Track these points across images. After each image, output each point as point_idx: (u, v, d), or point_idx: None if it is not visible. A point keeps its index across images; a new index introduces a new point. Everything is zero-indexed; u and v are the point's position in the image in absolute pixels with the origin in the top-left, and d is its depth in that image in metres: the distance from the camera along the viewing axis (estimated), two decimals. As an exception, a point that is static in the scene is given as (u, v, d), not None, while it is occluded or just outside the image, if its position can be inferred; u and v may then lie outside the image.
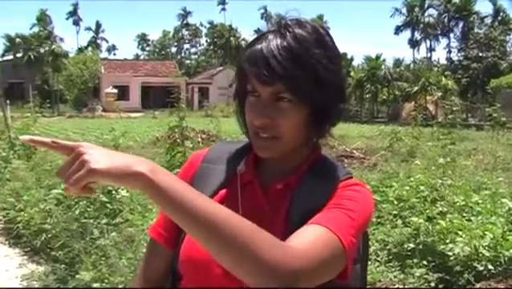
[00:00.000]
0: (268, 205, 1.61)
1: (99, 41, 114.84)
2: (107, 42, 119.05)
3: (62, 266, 7.03)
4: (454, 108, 19.92)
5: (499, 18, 72.29)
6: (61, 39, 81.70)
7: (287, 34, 1.51)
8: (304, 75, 1.49)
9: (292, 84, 1.49)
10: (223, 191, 1.65)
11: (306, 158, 1.68)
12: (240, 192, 1.64)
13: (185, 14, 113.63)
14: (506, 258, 6.04)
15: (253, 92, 1.54)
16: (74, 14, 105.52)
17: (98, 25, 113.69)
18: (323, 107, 1.55)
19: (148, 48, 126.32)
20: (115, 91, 67.17)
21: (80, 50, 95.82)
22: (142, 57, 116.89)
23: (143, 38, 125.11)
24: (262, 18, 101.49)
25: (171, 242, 1.70)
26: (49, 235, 7.57)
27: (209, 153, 1.76)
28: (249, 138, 1.65)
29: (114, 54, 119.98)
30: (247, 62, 1.53)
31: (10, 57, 76.55)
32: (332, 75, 1.55)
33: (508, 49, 71.09)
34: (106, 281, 6.09)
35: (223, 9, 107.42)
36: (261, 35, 1.57)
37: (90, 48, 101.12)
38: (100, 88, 71.70)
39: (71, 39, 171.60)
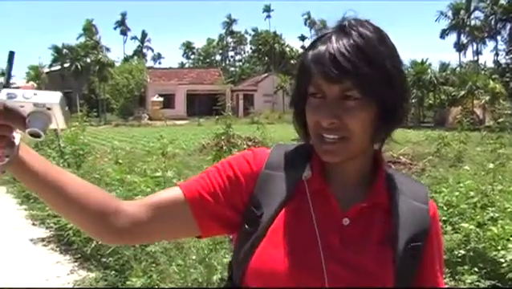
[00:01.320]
0: (349, 221, 1.56)
1: (144, 50, 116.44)
2: (152, 51, 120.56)
3: (113, 272, 7.12)
4: (506, 112, 19.65)
5: (548, 19, 71.09)
6: (107, 49, 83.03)
7: (352, 32, 1.49)
8: (373, 72, 1.47)
9: (361, 81, 1.46)
10: (292, 201, 1.57)
11: (375, 167, 1.65)
12: (310, 200, 1.56)
13: (230, 21, 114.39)
14: (560, 265, 5.92)
15: (316, 94, 1.51)
16: (121, 24, 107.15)
17: (144, 34, 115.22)
18: (390, 106, 1.53)
19: (192, 56, 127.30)
20: (161, 99, 67.78)
21: (126, 59, 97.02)
22: (187, 65, 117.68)
23: (188, 47, 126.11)
24: (305, 24, 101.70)
25: (199, 206, 1.59)
26: (99, 242, 7.67)
27: (271, 158, 1.64)
28: (307, 144, 1.63)
29: (159, 62, 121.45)
30: (312, 61, 1.49)
31: (58, 67, 77.96)
32: (398, 73, 1.55)
33: (557, 51, 69.80)
34: (156, 287, 6.14)
35: (268, 16, 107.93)
36: (321, 36, 1.54)
37: (136, 57, 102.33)
38: (146, 97, 72.44)
39: (117, 49, 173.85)
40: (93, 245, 7.75)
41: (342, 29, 1.52)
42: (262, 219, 1.55)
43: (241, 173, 1.61)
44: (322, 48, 1.49)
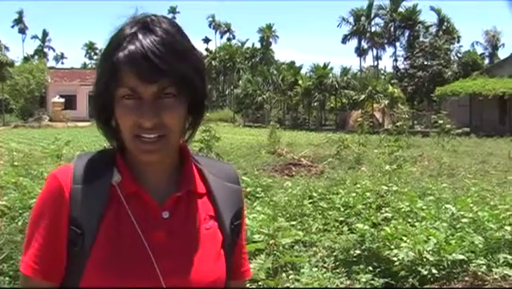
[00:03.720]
0: (169, 213, 1.58)
1: (46, 49, 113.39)
2: (54, 50, 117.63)
3: (7, 279, 6.90)
4: (403, 116, 20.25)
5: (443, 27, 73.64)
6: (6, 48, 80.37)
7: (156, 29, 1.49)
8: (186, 68, 1.49)
9: (177, 78, 1.48)
10: (109, 209, 1.54)
11: (182, 157, 1.68)
12: (126, 203, 1.55)
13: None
14: (449, 262, 6.14)
15: (130, 95, 1.48)
16: (19, 22, 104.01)
17: (45, 33, 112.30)
18: (200, 98, 1.58)
19: (95, 57, 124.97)
20: (62, 100, 66.25)
21: (26, 59, 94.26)
22: (90, 66, 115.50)
23: (90, 47, 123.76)
24: (210, 26, 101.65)
25: (50, 274, 1.56)
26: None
27: (76, 172, 1.57)
28: (115, 146, 1.62)
29: (62, 63, 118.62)
30: (124, 63, 1.45)
31: (-48, 66, 74.93)
32: (202, 63, 1.60)
33: (452, 57, 72.33)
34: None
35: (173, 17, 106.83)
36: (126, 36, 1.49)
37: (36, 57, 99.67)
38: (47, 98, 70.64)
39: (17, 48, 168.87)
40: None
41: (146, 26, 1.50)
42: (84, 237, 1.51)
43: (55, 207, 1.55)
44: (131, 48, 1.46)
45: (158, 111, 1.47)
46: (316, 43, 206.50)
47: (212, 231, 1.63)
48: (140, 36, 1.47)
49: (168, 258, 1.53)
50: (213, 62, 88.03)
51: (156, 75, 1.45)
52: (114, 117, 1.55)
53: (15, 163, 11.93)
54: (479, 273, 6.07)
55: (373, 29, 77.11)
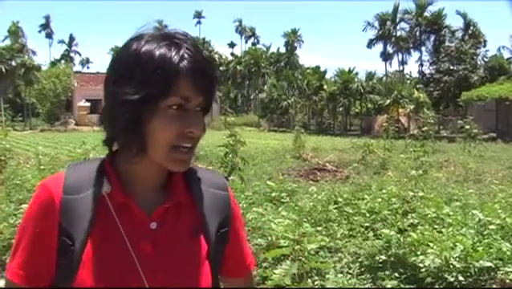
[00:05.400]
0: (157, 224, 1.60)
1: (72, 54, 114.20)
2: (80, 55, 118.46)
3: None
4: (429, 121, 20.12)
5: (469, 31, 73.10)
6: (33, 52, 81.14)
7: (193, 44, 1.56)
8: (215, 82, 1.60)
9: (213, 94, 1.58)
10: (98, 220, 1.54)
11: None
12: (115, 214, 1.56)
13: (161, 27, 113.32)
14: (476, 269, 6.08)
15: (179, 105, 1.51)
16: (46, 27, 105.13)
17: (71, 38, 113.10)
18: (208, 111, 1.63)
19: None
20: (88, 104, 66.74)
21: (53, 63, 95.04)
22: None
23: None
24: (236, 31, 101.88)
25: (37, 280, 1.58)
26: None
27: (67, 182, 1.58)
28: (138, 156, 1.56)
29: (88, 67, 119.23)
30: (189, 73, 1.49)
31: (-18, 70, 75.70)
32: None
33: (478, 62, 71.77)
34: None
35: (199, 22, 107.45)
36: (173, 48, 1.52)
37: (63, 61, 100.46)
38: (73, 102, 71.23)
39: (44, 52, 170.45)
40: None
41: (186, 41, 1.56)
42: (74, 248, 1.52)
43: (45, 217, 1.55)
44: (190, 59, 1.51)
45: (200, 122, 1.55)
46: (341, 48, 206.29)
47: (197, 241, 1.65)
48: (191, 49, 1.53)
49: (156, 269, 1.55)
50: (238, 66, 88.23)
51: (205, 88, 1.54)
52: (140, 127, 1.52)
53: (41, 167, 12.03)
54: (507, 280, 6.01)
55: (398, 33, 76.75)
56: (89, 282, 1.50)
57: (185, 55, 1.50)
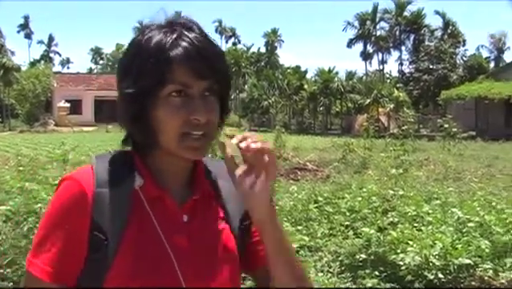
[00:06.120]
0: (187, 217, 1.58)
1: (51, 54, 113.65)
2: (60, 55, 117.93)
3: (10, 284, 6.89)
4: (409, 120, 20.19)
5: (449, 31, 73.57)
6: (12, 53, 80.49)
7: (196, 30, 1.53)
8: (226, 67, 1.58)
9: (221, 77, 1.53)
10: (132, 214, 1.52)
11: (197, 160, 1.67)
12: (149, 208, 1.54)
13: (141, 27, 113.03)
14: (456, 267, 6.12)
15: (179, 92, 1.49)
16: (25, 28, 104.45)
17: (51, 38, 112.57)
18: (226, 97, 1.62)
19: (101, 62, 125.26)
20: (68, 105, 66.27)
21: (32, 63, 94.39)
22: (95, 71, 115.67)
23: (97, 52, 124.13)
24: (216, 31, 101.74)
25: (65, 278, 1.52)
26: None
27: (98, 175, 1.55)
28: (149, 144, 1.57)
29: (68, 67, 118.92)
30: (182, 59, 1.47)
31: (-42, 70, 74.96)
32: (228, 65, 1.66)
33: (457, 61, 72.27)
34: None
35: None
36: (170, 35, 1.50)
37: (42, 62, 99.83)
38: (53, 102, 70.68)
39: (23, 53, 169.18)
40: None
41: (186, 26, 1.53)
42: (107, 243, 1.48)
43: (77, 212, 1.51)
44: (184, 44, 1.48)
45: (207, 108, 1.50)
46: (322, 47, 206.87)
47: (225, 234, 1.63)
48: (187, 34, 1.50)
49: (190, 262, 1.53)
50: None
51: (208, 72, 1.49)
52: (147, 118, 1.52)
53: (20, 168, 11.92)
54: (486, 277, 6.05)
55: (378, 33, 77.11)
56: (124, 278, 1.47)
57: (180, 41, 1.48)
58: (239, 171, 1.47)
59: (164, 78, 1.48)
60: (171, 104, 1.49)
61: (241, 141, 1.48)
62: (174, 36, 1.49)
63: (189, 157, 1.55)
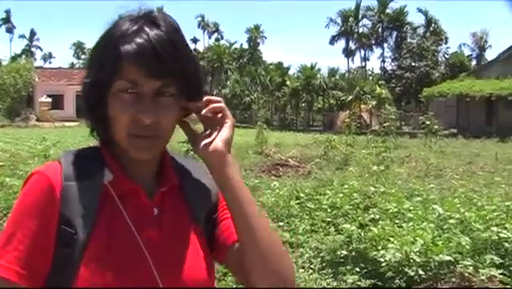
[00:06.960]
0: (157, 210, 1.56)
1: (33, 49, 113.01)
2: (41, 50, 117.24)
3: None
4: (391, 117, 20.26)
5: (431, 28, 73.99)
6: (-7, 47, 79.96)
7: (162, 25, 1.48)
8: (188, 67, 1.50)
9: (181, 77, 1.47)
10: (102, 209, 1.49)
11: (164, 153, 1.65)
12: (119, 202, 1.50)
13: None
14: (436, 263, 6.14)
15: (129, 89, 1.45)
16: (7, 22, 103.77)
17: (32, 33, 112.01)
18: (193, 98, 1.56)
19: (83, 56, 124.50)
20: (49, 100, 65.82)
21: (14, 58, 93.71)
22: (78, 65, 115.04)
23: (79, 47, 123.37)
24: (198, 26, 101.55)
25: (34, 277, 1.45)
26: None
27: (65, 169, 1.51)
28: (102, 141, 1.57)
29: (50, 62, 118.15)
30: (132, 55, 1.43)
31: None
32: (198, 63, 1.62)
33: (439, 59, 72.72)
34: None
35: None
36: (131, 28, 1.47)
37: (24, 56, 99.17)
38: (34, 97, 70.21)
39: (4, 47, 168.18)
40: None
41: (152, 21, 1.48)
42: (77, 237, 1.44)
43: (44, 207, 1.46)
44: (139, 40, 1.44)
45: (157, 109, 1.45)
46: (304, 44, 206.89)
47: (193, 226, 1.61)
48: (148, 30, 1.45)
49: (162, 255, 1.51)
50: (201, 62, 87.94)
51: (162, 71, 1.43)
52: (104, 111, 1.50)
53: (1, 163, 11.85)
54: (466, 274, 6.07)
55: (361, 30, 77.52)
56: (95, 273, 1.43)
57: (136, 37, 1.44)
58: (196, 133, 1.54)
59: (114, 73, 1.45)
60: (121, 100, 1.46)
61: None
62: (133, 30, 1.46)
63: (136, 157, 1.51)
